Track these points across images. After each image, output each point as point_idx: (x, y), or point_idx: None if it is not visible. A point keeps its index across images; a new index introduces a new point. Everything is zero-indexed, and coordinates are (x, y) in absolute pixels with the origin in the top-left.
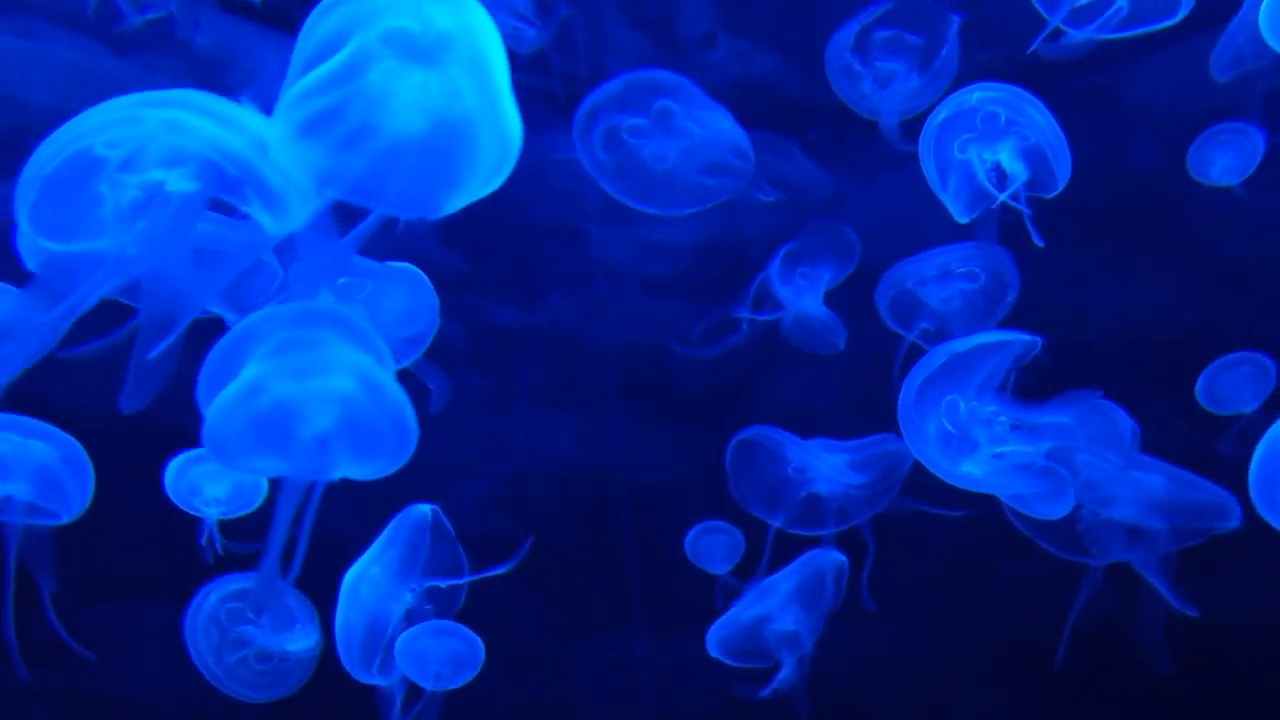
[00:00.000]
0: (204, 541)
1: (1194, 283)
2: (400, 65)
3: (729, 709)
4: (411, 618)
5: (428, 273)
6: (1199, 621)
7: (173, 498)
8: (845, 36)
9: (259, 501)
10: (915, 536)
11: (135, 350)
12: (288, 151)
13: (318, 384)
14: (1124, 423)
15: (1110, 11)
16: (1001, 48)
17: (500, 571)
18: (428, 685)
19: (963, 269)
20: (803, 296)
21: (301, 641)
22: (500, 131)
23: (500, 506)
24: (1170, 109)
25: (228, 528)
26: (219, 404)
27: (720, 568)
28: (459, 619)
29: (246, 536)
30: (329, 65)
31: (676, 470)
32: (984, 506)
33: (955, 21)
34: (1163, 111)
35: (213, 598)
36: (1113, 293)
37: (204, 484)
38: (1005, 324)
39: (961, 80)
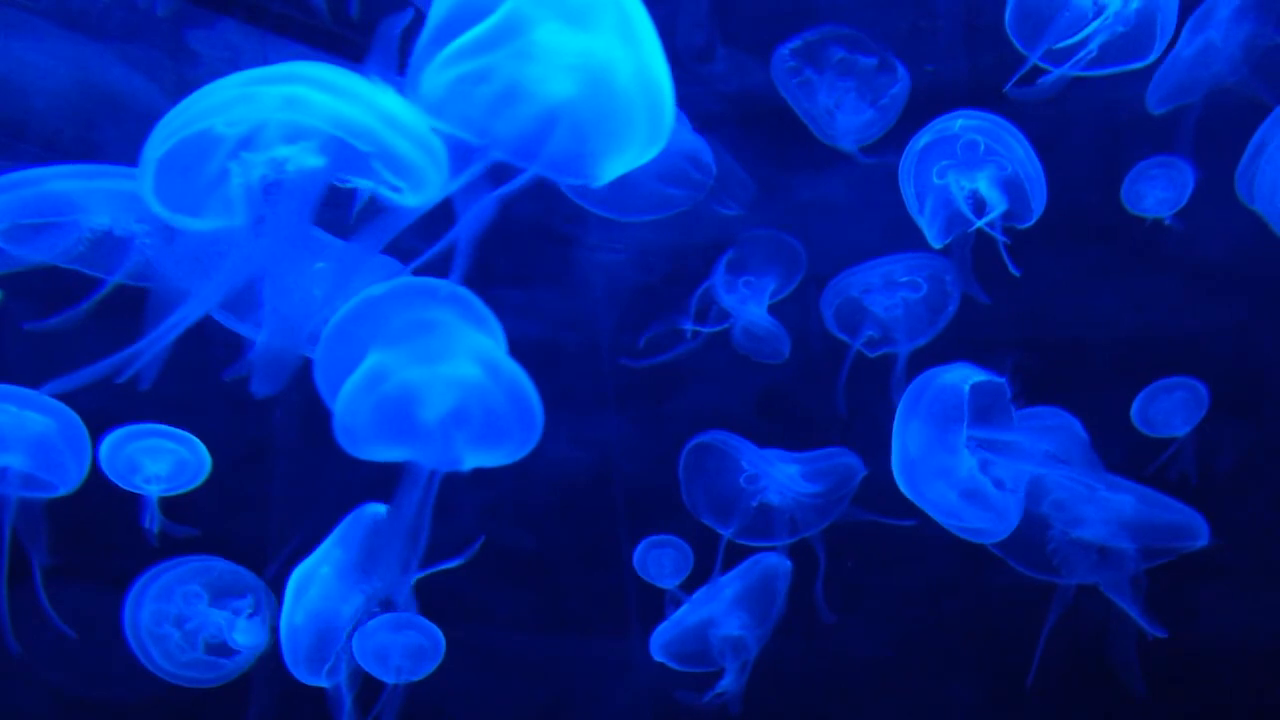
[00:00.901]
0: (146, 522)
1: (1192, 287)
2: (552, 28)
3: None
4: (359, 618)
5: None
6: (1173, 640)
7: (109, 475)
8: (784, 50)
9: (202, 478)
10: (903, 547)
11: (266, 332)
12: (439, 113)
13: (445, 370)
14: (1080, 435)
15: (1081, 54)
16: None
17: (453, 566)
18: (389, 679)
19: (906, 278)
20: (747, 305)
21: (251, 636)
22: (653, 96)
23: (499, 509)
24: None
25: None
26: (345, 392)
27: (669, 582)
28: (462, 622)
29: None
30: (479, 28)
31: (675, 473)
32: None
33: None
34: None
35: (165, 576)
36: (1109, 296)
37: (144, 461)
38: (997, 326)
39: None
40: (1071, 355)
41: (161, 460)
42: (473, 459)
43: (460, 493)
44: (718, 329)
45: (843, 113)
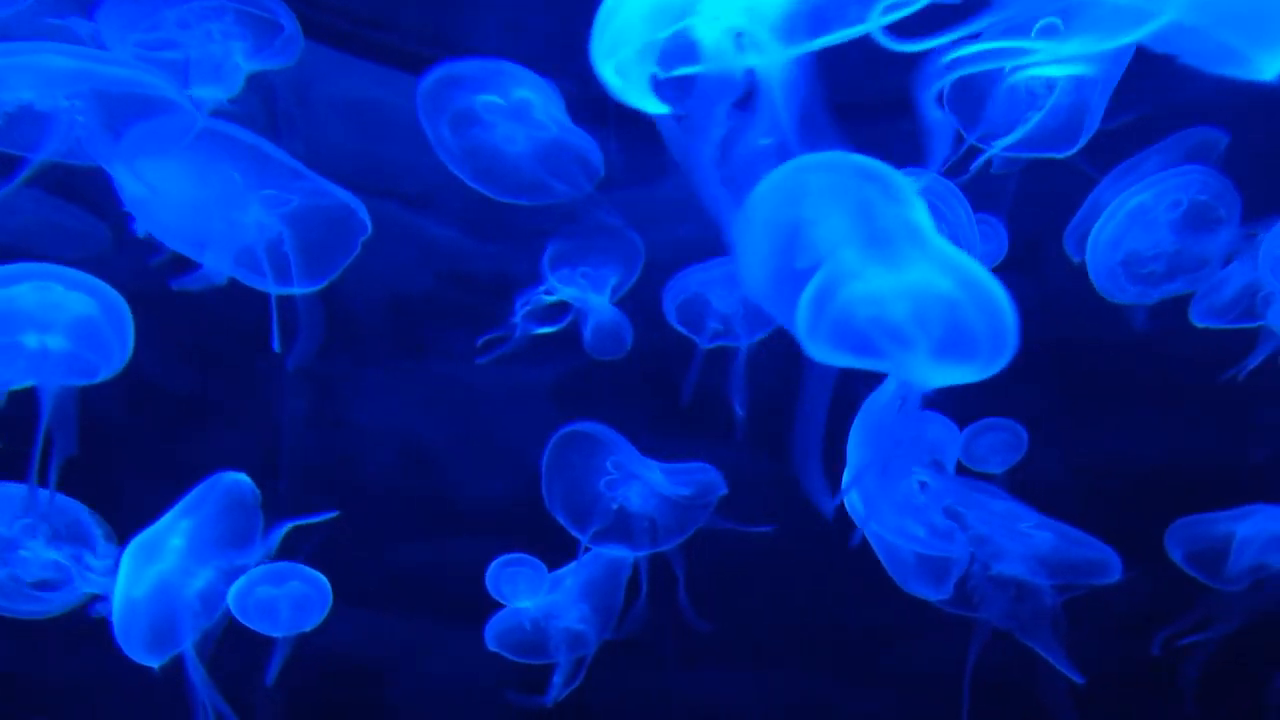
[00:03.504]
0: None
1: None
2: None
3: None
4: (206, 596)
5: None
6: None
7: None
8: None
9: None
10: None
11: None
12: None
13: (908, 276)
14: (951, 441)
15: (1008, 139)
16: None
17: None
18: (279, 634)
19: None
20: (588, 297)
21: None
22: None
23: (510, 505)
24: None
25: None
26: (807, 297)
27: (524, 602)
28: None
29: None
30: None
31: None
32: (788, 524)
33: None
34: None
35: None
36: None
37: None
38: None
39: None
40: (1081, 355)
41: None
42: (938, 374)
43: (467, 486)
44: (559, 326)
45: None
